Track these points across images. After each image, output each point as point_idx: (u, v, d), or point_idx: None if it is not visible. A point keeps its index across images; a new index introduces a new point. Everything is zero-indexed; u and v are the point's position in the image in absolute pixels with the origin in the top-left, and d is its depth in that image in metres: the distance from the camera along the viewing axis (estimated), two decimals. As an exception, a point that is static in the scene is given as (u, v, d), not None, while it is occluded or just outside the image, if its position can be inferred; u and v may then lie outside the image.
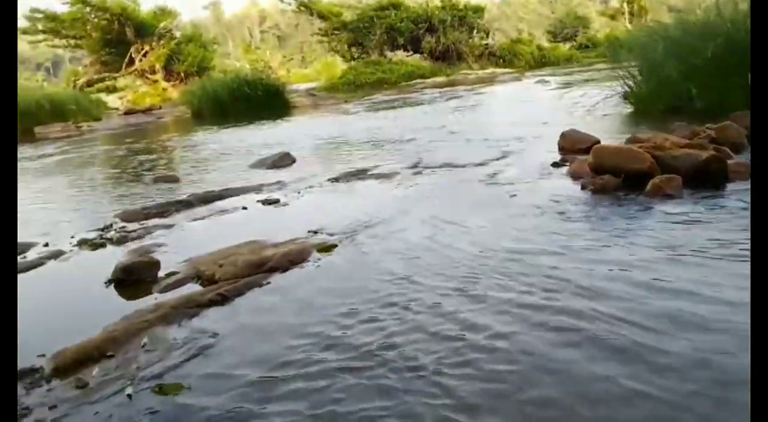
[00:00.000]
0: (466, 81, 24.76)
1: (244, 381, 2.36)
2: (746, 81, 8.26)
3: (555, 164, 6.03)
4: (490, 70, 28.41)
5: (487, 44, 34.38)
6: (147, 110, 20.76)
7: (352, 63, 30.94)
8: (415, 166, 6.69)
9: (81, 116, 19.12)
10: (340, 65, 33.50)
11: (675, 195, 4.60)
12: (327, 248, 3.96)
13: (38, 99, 18.62)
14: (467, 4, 34.67)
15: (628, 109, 9.87)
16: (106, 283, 3.65)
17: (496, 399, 2.10)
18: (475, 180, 5.72)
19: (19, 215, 6.07)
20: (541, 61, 33.30)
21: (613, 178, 5.02)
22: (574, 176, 5.49)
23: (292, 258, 3.74)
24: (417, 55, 33.25)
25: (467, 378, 2.23)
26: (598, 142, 6.73)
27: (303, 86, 25.63)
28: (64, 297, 3.65)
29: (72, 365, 2.56)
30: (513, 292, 2.95)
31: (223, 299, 3.20)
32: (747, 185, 4.68)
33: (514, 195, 5.00)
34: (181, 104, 19.95)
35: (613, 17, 46.24)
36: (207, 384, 2.36)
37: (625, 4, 46.37)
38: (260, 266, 3.60)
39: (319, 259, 3.77)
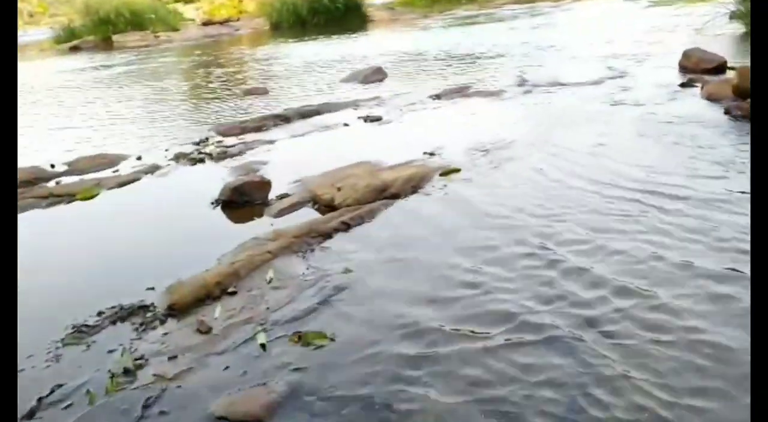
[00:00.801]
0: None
1: (392, 330, 1.92)
2: None
3: (683, 85, 5.21)
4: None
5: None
6: (224, 22, 20.09)
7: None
8: (521, 84, 5.97)
9: (159, 26, 18.64)
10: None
11: None
12: (449, 173, 3.44)
13: (117, 7, 18.11)
14: None
15: (741, 29, 8.66)
16: (212, 203, 3.25)
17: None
18: (596, 101, 4.99)
19: (104, 127, 5.82)
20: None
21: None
22: (711, 98, 4.69)
23: (415, 184, 3.24)
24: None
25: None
26: (725, 62, 5.83)
27: (378, 0, 24.37)
28: (167, 220, 3.22)
29: (191, 303, 2.15)
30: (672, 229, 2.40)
31: (347, 228, 2.75)
32: None
33: (648, 119, 4.30)
34: (259, 16, 19.26)
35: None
36: (351, 333, 1.93)
37: None
38: (382, 192, 3.12)
39: (444, 185, 3.25)
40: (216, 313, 2.09)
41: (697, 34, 8.50)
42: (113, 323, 2.10)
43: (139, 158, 4.34)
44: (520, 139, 4.01)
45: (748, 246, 2.29)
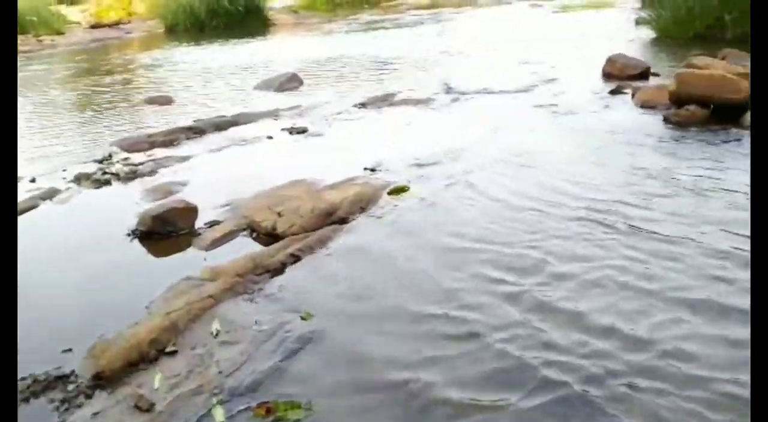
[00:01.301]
0: (451, 3, 23.34)
1: (373, 390, 1.63)
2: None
3: (613, 92, 5.25)
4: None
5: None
6: (114, 25, 18.87)
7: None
8: (447, 91, 5.83)
9: (42, 29, 17.23)
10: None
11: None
12: (397, 191, 3.18)
13: (-8, 9, 16.52)
14: None
15: (650, 34, 9.06)
16: (129, 235, 2.81)
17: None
18: (528, 109, 4.91)
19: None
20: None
21: (700, 109, 4.31)
22: (645, 105, 4.73)
23: (364, 205, 2.95)
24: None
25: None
26: (649, 68, 5.98)
27: (278, 3, 23.85)
28: (77, 257, 2.67)
29: (121, 369, 1.75)
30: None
31: (297, 260, 2.42)
32: None
33: (588, 129, 4.24)
34: (151, 19, 18.24)
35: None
36: (329, 400, 1.62)
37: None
38: (329, 216, 2.81)
39: (395, 206, 2.98)
40: (156, 382, 1.70)
41: (610, 41, 8.78)
42: (25, 401, 1.67)
43: (32, 181, 3.74)
44: (462, 152, 3.82)
45: (720, 271, 2.20)
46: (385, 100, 5.56)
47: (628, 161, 3.51)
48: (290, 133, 4.57)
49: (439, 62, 7.89)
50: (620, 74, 5.93)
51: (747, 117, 4.01)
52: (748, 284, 2.00)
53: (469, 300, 2.08)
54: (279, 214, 2.78)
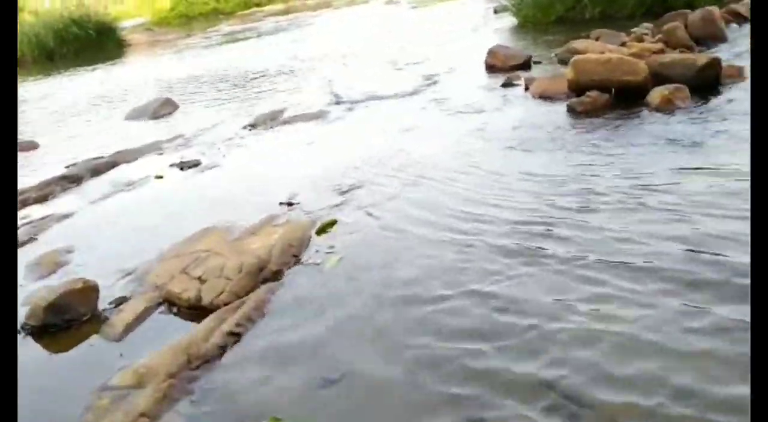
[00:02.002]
0: (306, 6, 22.93)
1: None
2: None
3: (505, 85, 5.12)
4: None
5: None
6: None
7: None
8: (338, 101, 5.45)
9: None
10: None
11: (684, 107, 3.93)
12: (326, 228, 2.77)
13: None
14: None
15: (513, 21, 9.18)
16: (19, 333, 2.20)
17: None
18: (426, 113, 4.65)
19: None
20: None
21: (601, 94, 4.24)
22: (543, 96, 4.62)
23: (296, 251, 2.53)
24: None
25: None
26: (531, 57, 5.94)
27: (128, 23, 22.28)
28: None
29: None
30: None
31: (238, 339, 1.97)
32: (742, 84, 4.15)
33: (495, 129, 4.01)
34: (-14, 52, 16.25)
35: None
36: None
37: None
38: (260, 272, 2.36)
39: (331, 248, 2.57)
40: None
41: (477, 32, 8.78)
42: None
43: None
44: (374, 169, 3.47)
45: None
46: (275, 118, 5.10)
47: (546, 164, 3.27)
48: (181, 168, 4.01)
49: (317, 69, 7.49)
50: (503, 65, 5.84)
51: (650, 96, 3.99)
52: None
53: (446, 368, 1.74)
54: (200, 279, 2.29)
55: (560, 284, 2.05)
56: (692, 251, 2.14)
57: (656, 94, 3.96)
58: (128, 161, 4.31)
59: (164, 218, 3.15)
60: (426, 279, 2.21)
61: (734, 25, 6.17)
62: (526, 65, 5.78)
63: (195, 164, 4.06)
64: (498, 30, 8.72)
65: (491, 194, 2.88)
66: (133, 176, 3.98)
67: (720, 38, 5.62)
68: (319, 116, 4.98)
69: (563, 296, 1.98)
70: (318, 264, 2.44)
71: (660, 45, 4.90)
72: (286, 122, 4.92)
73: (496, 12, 10.23)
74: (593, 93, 4.19)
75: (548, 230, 2.44)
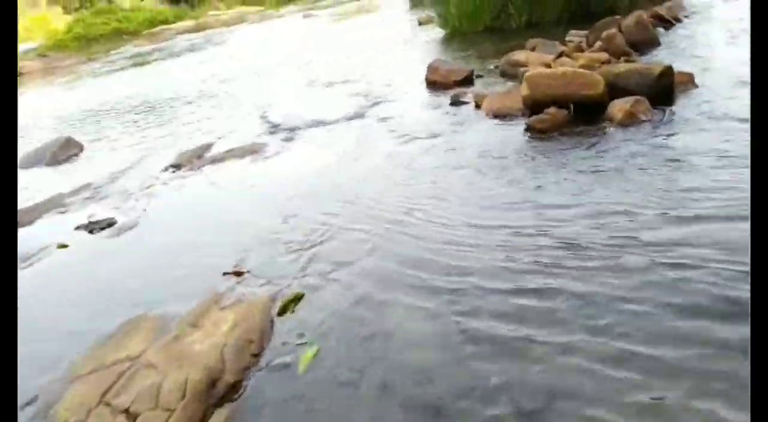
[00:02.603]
0: (218, 23, 22.04)
1: None
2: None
3: (455, 103, 4.69)
4: (237, 9, 25.65)
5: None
6: None
7: (75, 14, 25.66)
8: (274, 130, 4.86)
9: None
10: (55, 19, 27.61)
11: (647, 120, 3.62)
12: (289, 306, 2.20)
13: None
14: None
15: (440, 32, 8.87)
16: None
17: None
18: (373, 139, 4.15)
19: None
20: (286, -1, 31.18)
21: (560, 111, 3.88)
22: (498, 114, 4.22)
23: (255, 347, 1.95)
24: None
25: None
26: (472, 71, 5.56)
27: (20, 47, 20.58)
28: None
29: None
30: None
31: None
32: (696, 91, 3.90)
33: (457, 156, 3.56)
34: None
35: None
36: None
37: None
38: (212, 387, 1.76)
39: (301, 338, 1.99)
40: None
41: (407, 45, 8.37)
42: None
43: None
44: (335, 216, 2.93)
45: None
46: (202, 155, 4.44)
47: (516, 194, 2.86)
48: (91, 231, 3.28)
49: (244, 92, 6.85)
50: (445, 81, 5.44)
51: (610, 110, 3.66)
52: None
53: None
54: (128, 413, 1.67)
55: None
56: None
57: (617, 109, 3.63)
58: (23, 225, 3.55)
59: (72, 308, 2.47)
60: (433, 375, 1.70)
61: (661, 29, 6.05)
62: (468, 80, 5.39)
63: (108, 223, 3.35)
64: (427, 42, 8.36)
65: (473, 241, 2.41)
66: (27, 246, 3.20)
67: (654, 43, 5.45)
68: (254, 149, 4.37)
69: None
70: (288, 366, 1.87)
71: (605, 55, 4.62)
72: (216, 160, 4.28)
73: (420, 23, 9.91)
74: (551, 110, 3.82)
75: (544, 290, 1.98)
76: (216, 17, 22.55)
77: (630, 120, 3.55)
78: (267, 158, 4.13)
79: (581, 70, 3.92)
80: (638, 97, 3.65)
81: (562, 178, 2.95)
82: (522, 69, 4.79)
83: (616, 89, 3.87)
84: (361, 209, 2.95)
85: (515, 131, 3.84)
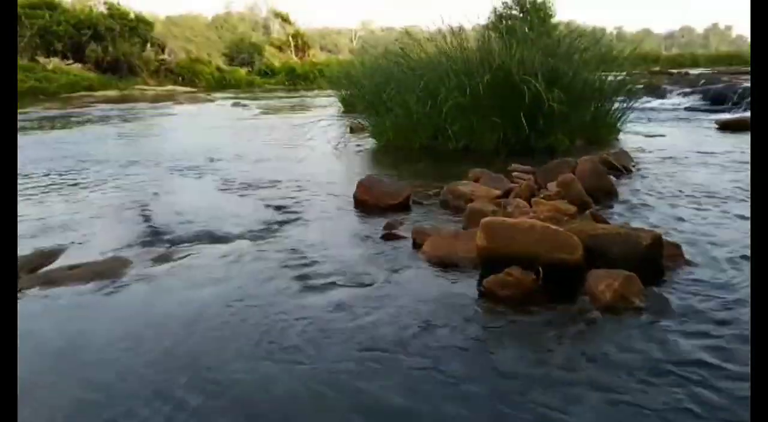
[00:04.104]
0: (145, 97, 20.84)
1: None
2: (503, 121, 7.21)
3: (387, 237, 3.67)
4: (168, 87, 24.64)
5: (163, 60, 30.09)
6: None
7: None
8: (147, 240, 3.61)
9: None
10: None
11: (641, 307, 2.70)
12: None
13: None
14: (138, 15, 29.86)
15: (372, 142, 8.10)
16: None
17: None
18: (279, 274, 3.01)
19: None
20: (221, 83, 30.54)
21: (525, 274, 2.92)
22: (443, 262, 3.21)
23: None
24: (80, 65, 27.21)
25: None
26: (410, 195, 4.62)
27: None
28: None
29: None
30: None
31: None
32: (690, 269, 3.05)
33: (381, 329, 2.45)
34: None
35: (280, 49, 45.88)
36: None
37: (291, 38, 46.55)
38: None
39: None
40: None
41: (336, 153, 7.47)
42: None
43: None
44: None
45: None
46: (35, 269, 3.10)
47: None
48: None
49: (132, 183, 5.59)
50: (378, 203, 4.46)
51: (592, 286, 2.72)
52: None
53: None
54: None
55: None
56: None
57: (603, 286, 2.68)
58: None
59: None
60: None
61: (612, 177, 5.42)
62: (405, 206, 4.43)
63: None
64: (359, 152, 7.51)
65: None
66: None
67: (611, 193, 4.74)
68: (109, 269, 3.07)
69: None
70: None
71: (573, 207, 3.78)
72: (49, 281, 2.94)
73: (351, 130, 9.15)
74: (515, 271, 2.84)
75: None
76: (143, 91, 21.37)
77: (619, 304, 2.60)
78: (121, 287, 2.84)
79: (553, 226, 3.00)
80: (627, 273, 2.73)
81: (542, 401, 1.88)
82: (469, 205, 3.88)
83: (593, 255, 2.97)
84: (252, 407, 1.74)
85: (467, 292, 2.81)
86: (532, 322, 2.49)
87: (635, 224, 3.79)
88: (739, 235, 3.58)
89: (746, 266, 3.04)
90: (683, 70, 20.96)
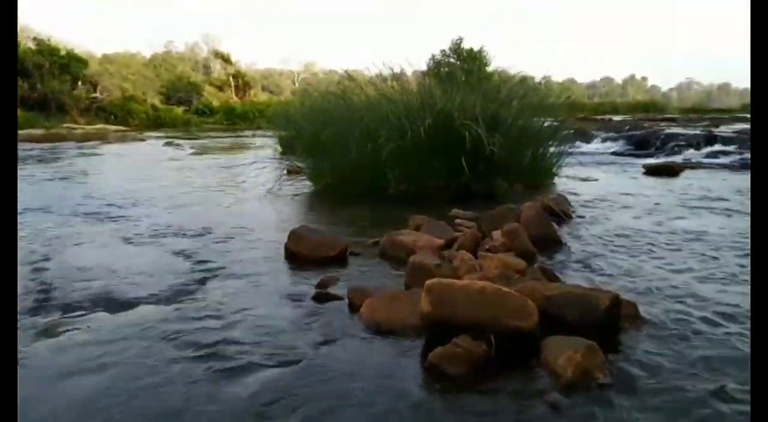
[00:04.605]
0: (72, 136, 19.77)
1: None
2: (444, 165, 6.97)
3: (319, 299, 3.21)
4: (99, 125, 23.51)
5: (95, 98, 28.86)
6: None
7: None
8: (36, 307, 3.00)
9: None
10: None
11: (606, 383, 2.35)
12: None
13: None
14: (70, 52, 28.65)
15: (309, 186, 7.68)
16: None
17: None
18: (189, 349, 2.51)
19: None
20: (156, 122, 29.51)
21: (476, 344, 2.53)
22: (382, 328, 2.78)
23: None
24: (4, 102, 25.61)
25: None
26: (347, 247, 4.20)
27: None
28: None
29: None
30: None
31: None
32: (647, 331, 2.75)
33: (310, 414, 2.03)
34: None
35: (220, 88, 45.20)
36: None
37: (231, 78, 45.99)
38: None
39: None
40: None
41: (270, 197, 6.99)
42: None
43: None
44: None
45: None
46: None
47: None
48: None
49: (31, 232, 4.93)
50: (311, 255, 4.02)
51: (551, 357, 2.36)
52: None
53: None
54: None
55: None
56: None
57: (563, 358, 2.31)
58: None
59: None
60: None
61: (554, 224, 5.20)
62: (341, 259, 4.01)
63: None
64: (294, 197, 7.07)
65: None
66: None
67: (556, 242, 4.49)
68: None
69: None
70: None
71: (522, 262, 3.45)
72: None
73: (289, 173, 8.71)
74: (464, 341, 2.44)
75: None
76: (71, 130, 20.25)
77: (582, 380, 2.25)
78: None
79: (505, 289, 2.64)
80: (587, 342, 2.39)
81: None
82: (411, 259, 3.50)
83: (547, 318, 2.63)
84: None
85: (410, 369, 2.39)
86: (485, 408, 2.09)
87: (584, 277, 3.52)
88: (684, 282, 3.39)
89: (699, 320, 2.81)
90: (606, 117, 21.79)
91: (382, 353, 2.54)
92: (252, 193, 7.12)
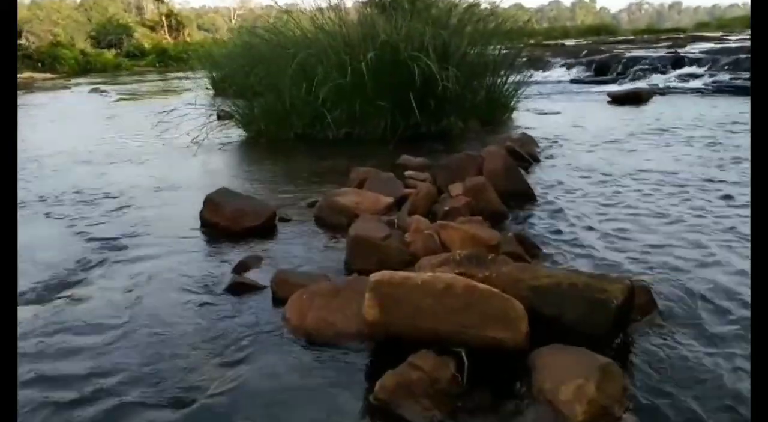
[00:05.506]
0: None
1: None
2: (390, 104, 6.08)
3: (234, 290, 2.38)
4: (27, 74, 21.44)
5: (20, 46, 26.31)
6: None
7: None
8: None
9: None
10: None
11: (625, 418, 1.62)
12: None
13: None
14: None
15: (241, 134, 6.69)
16: None
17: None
18: (43, 392, 1.69)
19: None
20: (86, 67, 27.20)
21: (440, 362, 1.77)
22: (315, 337, 1.96)
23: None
24: None
25: None
26: (275, 213, 3.35)
27: None
28: None
29: None
30: None
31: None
32: (667, 331, 2.04)
33: None
34: None
35: (153, 29, 41.99)
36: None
37: (164, 18, 42.76)
38: None
39: None
40: None
41: (196, 150, 5.96)
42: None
43: None
44: None
45: None
46: None
47: None
48: None
49: None
50: (231, 225, 3.16)
51: (542, 379, 1.63)
52: None
53: None
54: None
55: None
56: None
57: (570, 391, 1.54)
58: None
59: None
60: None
61: (523, 173, 4.45)
62: (268, 229, 3.17)
63: None
64: (223, 147, 6.09)
65: None
66: None
67: (529, 196, 3.70)
68: None
69: None
70: None
71: (496, 234, 2.63)
72: None
73: (219, 118, 7.62)
74: (424, 360, 1.69)
75: None
76: None
77: (598, 420, 1.55)
78: None
79: (482, 285, 1.85)
80: (601, 360, 1.64)
81: None
82: (353, 232, 2.67)
83: (536, 318, 1.89)
84: None
85: (348, 406, 1.64)
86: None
87: (570, 246, 2.78)
88: (691, 243, 2.73)
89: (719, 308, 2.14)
90: (559, 42, 20.92)
91: (311, 383, 1.76)
92: (175, 144, 6.10)
